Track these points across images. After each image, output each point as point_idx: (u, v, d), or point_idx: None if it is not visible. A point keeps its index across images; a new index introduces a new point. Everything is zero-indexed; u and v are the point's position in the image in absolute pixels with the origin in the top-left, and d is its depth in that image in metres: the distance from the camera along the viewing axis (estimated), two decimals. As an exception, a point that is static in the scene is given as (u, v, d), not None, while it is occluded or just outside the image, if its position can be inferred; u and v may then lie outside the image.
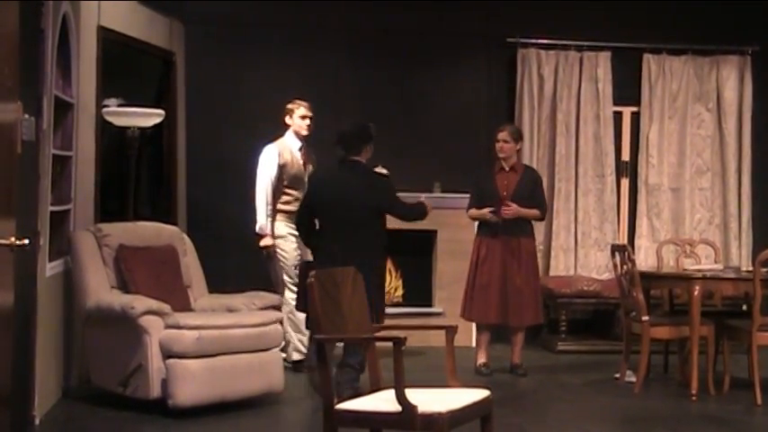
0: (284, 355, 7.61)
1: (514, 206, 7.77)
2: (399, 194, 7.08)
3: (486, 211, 7.84)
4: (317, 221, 6.97)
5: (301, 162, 8.02)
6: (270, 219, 7.90)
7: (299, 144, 8.03)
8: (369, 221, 6.73)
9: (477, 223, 8.12)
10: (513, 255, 7.81)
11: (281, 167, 7.91)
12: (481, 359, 7.95)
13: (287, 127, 8.06)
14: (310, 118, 8.03)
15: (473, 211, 8.00)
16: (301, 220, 7.10)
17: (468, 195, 8.12)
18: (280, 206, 7.95)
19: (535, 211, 7.92)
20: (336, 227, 6.75)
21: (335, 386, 5.95)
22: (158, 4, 8.52)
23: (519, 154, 8.16)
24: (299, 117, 8.01)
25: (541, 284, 8.83)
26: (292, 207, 7.86)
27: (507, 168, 7.93)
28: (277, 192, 7.92)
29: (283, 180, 7.93)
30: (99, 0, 7.51)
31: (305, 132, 8.03)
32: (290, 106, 8.06)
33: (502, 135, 7.93)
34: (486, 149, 9.37)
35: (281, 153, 7.93)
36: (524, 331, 8.05)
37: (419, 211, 7.09)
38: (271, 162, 7.91)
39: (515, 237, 7.82)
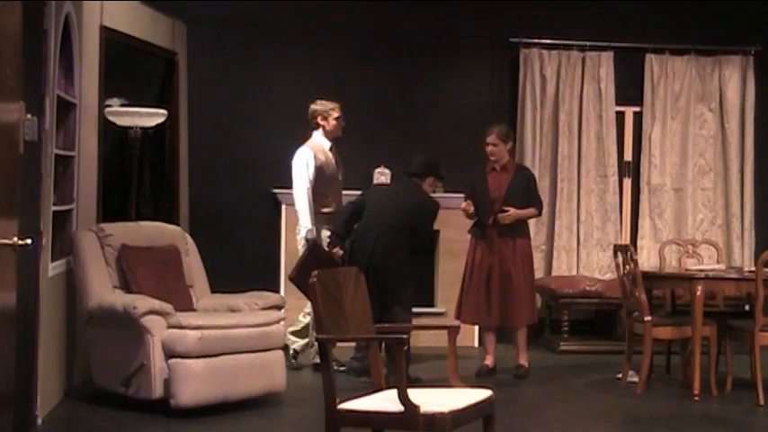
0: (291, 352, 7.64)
1: (512, 210, 7.76)
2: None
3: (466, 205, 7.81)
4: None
5: (334, 162, 7.94)
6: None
7: (329, 144, 7.93)
8: (402, 231, 7.45)
9: (470, 225, 8.07)
10: (508, 256, 7.79)
11: (319, 169, 7.77)
12: (485, 361, 7.97)
13: (318, 127, 7.91)
14: None
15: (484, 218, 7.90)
16: (348, 213, 7.66)
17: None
18: (321, 209, 7.79)
19: (531, 210, 7.90)
20: (375, 221, 7.47)
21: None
22: (161, 5, 8.53)
23: (512, 153, 8.13)
24: (334, 119, 7.90)
25: (544, 285, 8.84)
26: (331, 209, 7.82)
27: (498, 168, 7.93)
28: (316, 194, 7.75)
29: (322, 182, 7.79)
30: (101, 0, 7.52)
31: (340, 133, 7.97)
32: (323, 108, 7.91)
33: (490, 138, 7.89)
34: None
35: (315, 155, 7.80)
36: (525, 330, 8.02)
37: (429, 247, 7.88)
38: (308, 164, 7.74)
39: (510, 238, 7.81)
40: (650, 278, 7.50)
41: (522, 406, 6.87)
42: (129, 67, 8.59)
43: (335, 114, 7.90)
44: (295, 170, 7.77)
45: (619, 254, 7.58)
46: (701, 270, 7.46)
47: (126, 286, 6.65)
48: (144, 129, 7.66)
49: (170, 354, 6.18)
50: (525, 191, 7.88)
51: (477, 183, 7.95)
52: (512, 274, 7.76)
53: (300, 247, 7.78)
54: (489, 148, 7.89)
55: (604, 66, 9.86)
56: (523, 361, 7.96)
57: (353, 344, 7.39)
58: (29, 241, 3.83)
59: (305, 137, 7.97)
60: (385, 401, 4.36)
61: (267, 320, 6.65)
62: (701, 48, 9.97)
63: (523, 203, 7.84)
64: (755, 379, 7.02)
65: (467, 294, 7.91)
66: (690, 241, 8.71)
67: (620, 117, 10.02)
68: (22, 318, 5.16)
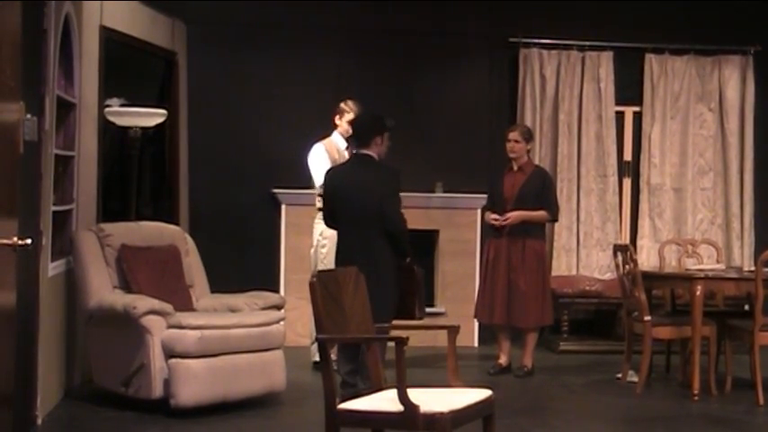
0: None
1: (514, 213, 7.78)
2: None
3: (490, 216, 7.91)
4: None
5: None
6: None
7: (344, 144, 7.93)
8: (377, 217, 6.46)
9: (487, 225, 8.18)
10: (517, 256, 7.81)
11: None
12: (499, 360, 8.02)
13: (335, 126, 7.96)
14: None
15: (486, 215, 8.11)
16: (325, 211, 6.86)
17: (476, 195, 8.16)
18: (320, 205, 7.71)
19: (541, 213, 7.89)
20: (350, 222, 6.53)
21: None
22: (160, 4, 8.53)
23: (530, 154, 8.17)
24: (347, 122, 7.89)
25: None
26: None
27: (516, 168, 7.95)
28: None
29: None
30: (101, 0, 7.52)
31: (346, 135, 7.95)
32: (342, 107, 7.97)
33: (513, 135, 7.95)
34: (488, 149, 9.38)
35: (328, 151, 7.84)
36: (536, 333, 8.03)
37: (405, 234, 6.58)
38: (324, 159, 7.75)
39: (520, 238, 7.83)
40: (650, 278, 7.50)
41: (521, 406, 6.87)
42: (129, 66, 8.59)
43: (348, 118, 7.92)
44: (311, 165, 7.84)
45: (618, 254, 7.58)
46: (701, 270, 7.46)
47: (126, 286, 6.65)
48: (144, 129, 7.66)
49: (170, 354, 6.18)
50: (538, 192, 7.88)
51: (494, 182, 8.05)
52: (518, 275, 7.77)
53: (313, 249, 7.79)
54: (510, 144, 7.93)
55: (604, 65, 9.86)
56: (527, 361, 7.97)
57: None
58: (29, 241, 3.83)
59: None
60: (385, 401, 4.36)
61: (267, 320, 6.66)
62: (700, 48, 9.96)
63: (535, 205, 7.85)
64: (755, 379, 7.03)
65: (480, 293, 8.04)
66: (689, 241, 8.71)
67: (619, 117, 10.02)
68: (22, 318, 5.16)
